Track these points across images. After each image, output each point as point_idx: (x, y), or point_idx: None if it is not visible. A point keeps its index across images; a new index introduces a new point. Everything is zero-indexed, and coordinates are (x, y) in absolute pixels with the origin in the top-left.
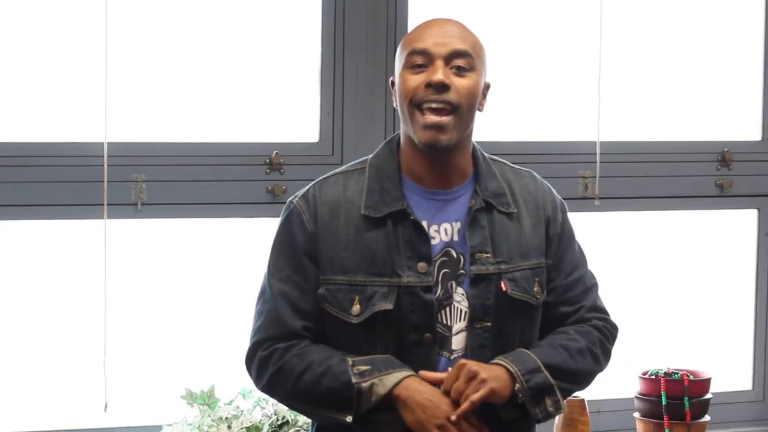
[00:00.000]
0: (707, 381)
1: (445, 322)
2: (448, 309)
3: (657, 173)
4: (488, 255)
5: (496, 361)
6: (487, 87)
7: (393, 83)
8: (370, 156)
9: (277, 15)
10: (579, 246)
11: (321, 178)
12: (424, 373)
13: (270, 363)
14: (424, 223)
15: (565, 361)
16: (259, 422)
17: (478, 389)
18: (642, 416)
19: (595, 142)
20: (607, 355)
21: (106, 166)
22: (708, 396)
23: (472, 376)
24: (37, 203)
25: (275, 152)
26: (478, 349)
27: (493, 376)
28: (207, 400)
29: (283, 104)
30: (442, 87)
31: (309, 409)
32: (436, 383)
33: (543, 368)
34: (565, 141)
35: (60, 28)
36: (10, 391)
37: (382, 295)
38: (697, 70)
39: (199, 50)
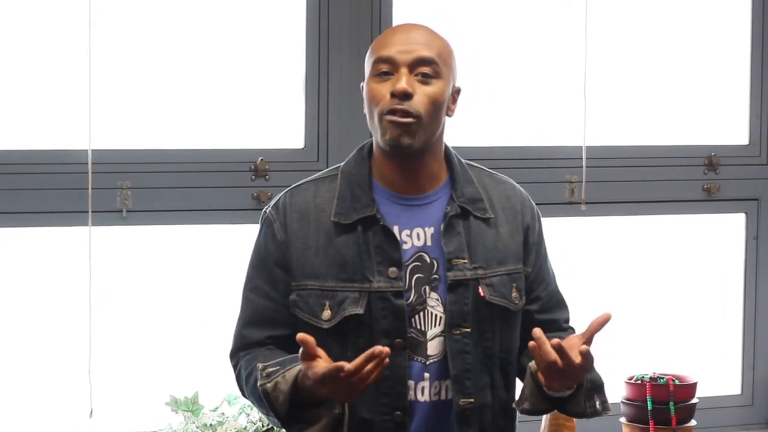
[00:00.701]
0: (693, 385)
1: (418, 327)
2: (421, 314)
3: (644, 178)
4: (465, 260)
5: None
6: (457, 92)
7: (363, 88)
8: (342, 163)
9: (261, 21)
10: (549, 257)
11: (293, 185)
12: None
13: (235, 371)
14: (395, 229)
15: None
16: (244, 428)
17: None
18: (628, 421)
19: (581, 147)
20: None
21: (90, 174)
22: (694, 401)
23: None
24: (21, 210)
25: (260, 158)
26: (458, 355)
27: None
28: (191, 406)
29: (268, 110)
30: (405, 95)
31: (262, 413)
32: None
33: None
34: (551, 146)
35: (43, 35)
36: None
37: (353, 300)
38: (683, 73)
39: (184, 57)
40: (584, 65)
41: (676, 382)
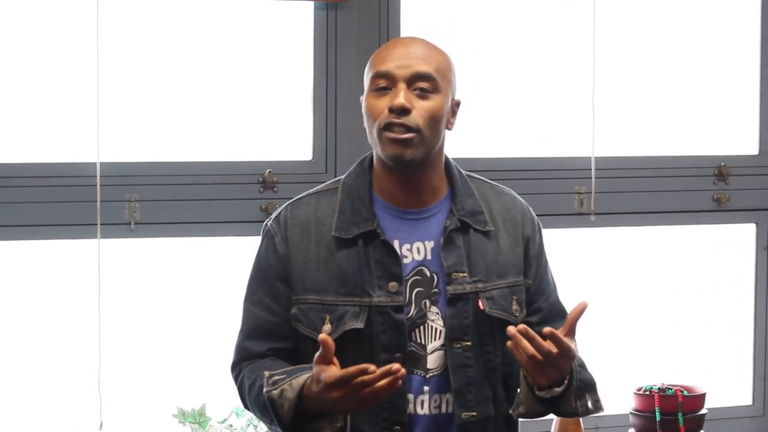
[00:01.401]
0: (702, 396)
1: (419, 340)
2: (422, 328)
3: (653, 188)
4: (464, 274)
5: None
6: (456, 104)
7: (362, 103)
8: (343, 176)
9: (270, 34)
10: (550, 268)
11: (294, 198)
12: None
13: (237, 382)
14: (396, 243)
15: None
16: None
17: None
18: None
19: (590, 158)
20: None
21: (99, 186)
22: (703, 411)
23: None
24: (30, 223)
25: (268, 171)
26: (460, 368)
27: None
28: (198, 418)
29: (276, 122)
30: (403, 111)
31: (265, 423)
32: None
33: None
34: (561, 157)
35: (51, 49)
36: (6, 410)
37: (353, 314)
38: (692, 83)
39: (192, 70)
40: (593, 76)
41: (685, 393)
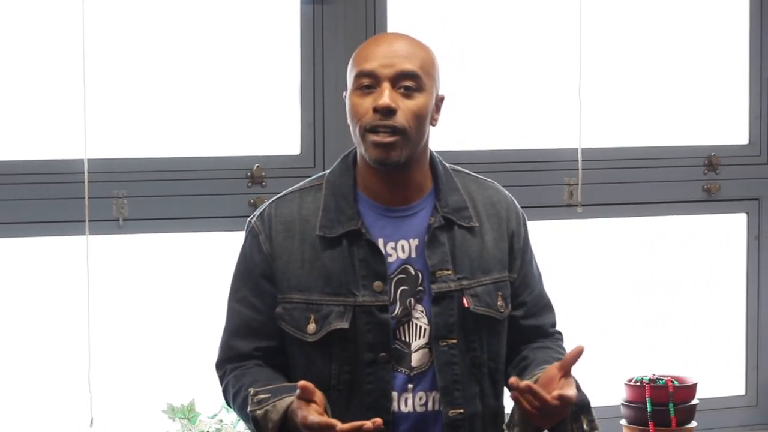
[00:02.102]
0: (693, 387)
1: (403, 339)
2: (406, 326)
3: (643, 179)
4: (449, 272)
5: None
6: (440, 100)
7: (345, 99)
8: (327, 172)
9: (256, 28)
10: (536, 260)
11: (278, 196)
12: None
13: (222, 383)
14: (381, 241)
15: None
16: None
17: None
18: (628, 423)
19: (577, 149)
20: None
21: (86, 183)
22: (694, 402)
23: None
24: (18, 221)
25: (256, 165)
26: (446, 366)
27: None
28: (187, 414)
29: (264, 117)
30: (388, 111)
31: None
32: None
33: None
34: (548, 148)
35: (37, 45)
36: None
37: (338, 314)
38: (681, 73)
39: (178, 65)
40: (579, 66)
41: (676, 383)
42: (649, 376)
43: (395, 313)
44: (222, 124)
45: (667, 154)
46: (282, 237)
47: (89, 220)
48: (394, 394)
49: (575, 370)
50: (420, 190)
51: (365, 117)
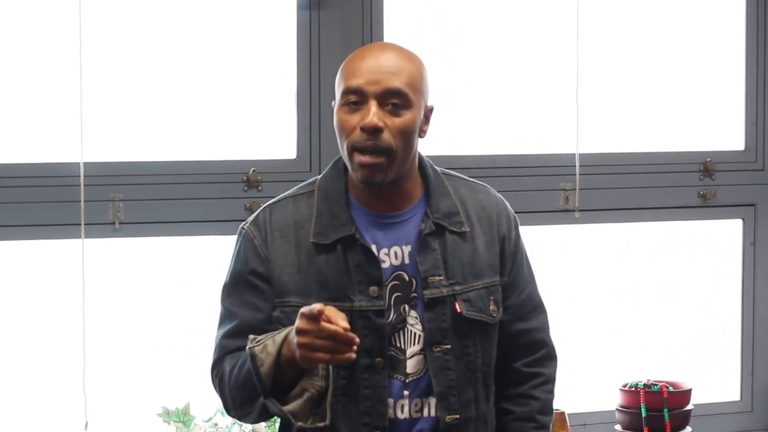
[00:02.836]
0: (688, 392)
1: (398, 345)
2: (401, 332)
3: (639, 184)
4: (441, 277)
5: None
6: (430, 111)
7: (333, 111)
8: (319, 177)
9: (253, 33)
10: (528, 261)
11: (270, 202)
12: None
13: (218, 378)
14: (374, 247)
15: None
16: None
17: None
18: (623, 428)
19: (574, 155)
20: (552, 393)
21: (82, 186)
22: (689, 407)
23: None
24: (14, 224)
25: (252, 169)
26: (441, 372)
27: None
28: (182, 417)
29: (260, 121)
30: (375, 131)
31: (245, 408)
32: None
33: None
34: (545, 154)
35: (34, 49)
36: None
37: None
38: (677, 79)
39: (175, 69)
40: (576, 72)
41: (671, 388)
42: (644, 381)
43: (390, 319)
44: (218, 128)
45: (663, 160)
46: (278, 242)
47: (85, 224)
48: (390, 401)
49: (570, 375)
50: (410, 197)
51: (352, 135)
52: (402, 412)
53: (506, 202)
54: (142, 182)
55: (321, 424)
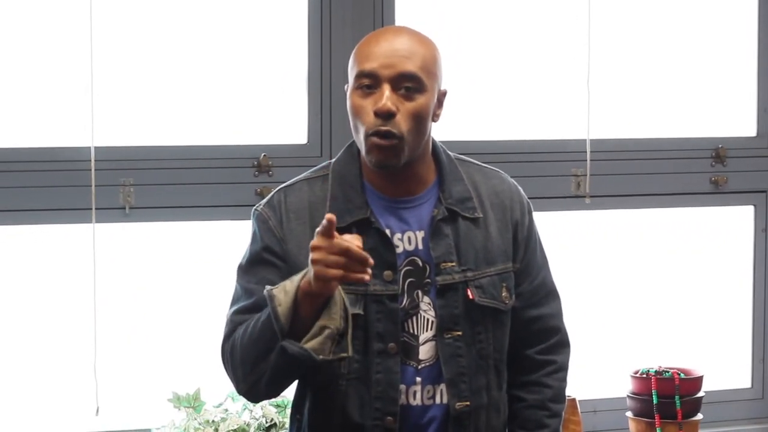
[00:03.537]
0: (699, 379)
1: (411, 331)
2: (414, 318)
3: (650, 171)
4: (453, 264)
5: None
6: (443, 95)
7: (347, 94)
8: (333, 161)
9: (264, 17)
10: (541, 246)
11: (284, 185)
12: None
13: (229, 349)
14: (387, 232)
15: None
16: (246, 424)
17: None
18: (634, 415)
19: (585, 140)
20: (565, 381)
21: (93, 171)
22: (700, 394)
23: None
24: (24, 208)
25: (263, 154)
26: (452, 359)
27: None
28: (193, 403)
29: (270, 106)
30: (388, 115)
31: (256, 372)
32: None
33: None
34: (556, 139)
35: (45, 33)
36: (2, 396)
37: (351, 301)
38: (689, 65)
39: (186, 53)
40: (588, 57)
41: (682, 375)
42: (655, 368)
43: (403, 304)
44: (229, 112)
45: (674, 146)
46: (294, 224)
47: (96, 208)
48: (403, 387)
49: (582, 363)
50: (424, 182)
51: (367, 120)
52: (414, 398)
53: (520, 188)
54: (153, 167)
55: (343, 355)
